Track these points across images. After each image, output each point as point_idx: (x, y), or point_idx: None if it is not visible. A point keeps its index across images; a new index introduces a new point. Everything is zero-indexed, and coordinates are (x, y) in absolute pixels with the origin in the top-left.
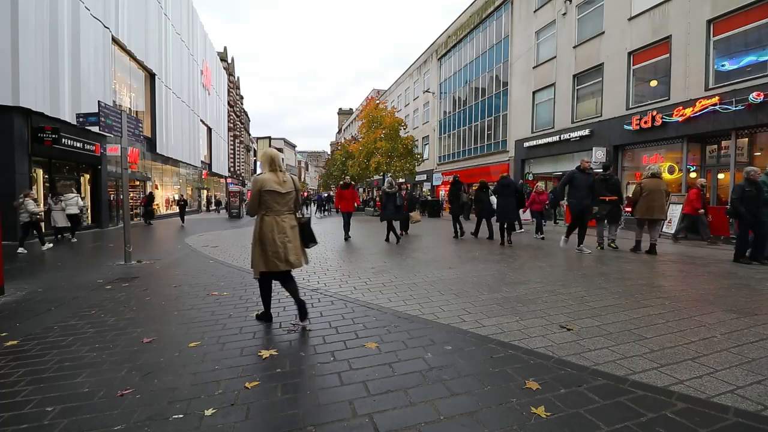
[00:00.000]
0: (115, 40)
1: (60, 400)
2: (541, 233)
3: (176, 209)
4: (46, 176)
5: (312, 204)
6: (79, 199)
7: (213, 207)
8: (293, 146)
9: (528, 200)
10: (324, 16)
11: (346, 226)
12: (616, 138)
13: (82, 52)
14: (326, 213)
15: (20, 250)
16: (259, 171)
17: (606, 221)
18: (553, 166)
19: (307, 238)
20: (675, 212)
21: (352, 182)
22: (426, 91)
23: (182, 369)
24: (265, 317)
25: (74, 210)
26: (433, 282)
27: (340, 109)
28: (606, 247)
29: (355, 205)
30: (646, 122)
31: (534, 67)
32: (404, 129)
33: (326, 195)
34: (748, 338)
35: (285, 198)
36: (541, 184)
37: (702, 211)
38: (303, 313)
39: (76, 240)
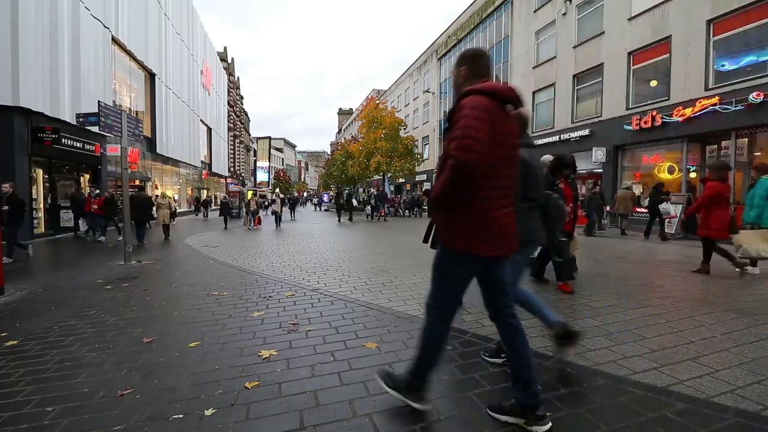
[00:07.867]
0: (115, 40)
1: (60, 400)
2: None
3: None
4: (46, 176)
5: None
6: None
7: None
8: (293, 146)
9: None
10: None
11: None
12: (616, 138)
13: (82, 52)
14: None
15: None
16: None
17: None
18: None
19: (171, 216)
20: (675, 211)
21: None
22: (426, 91)
23: (182, 369)
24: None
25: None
26: None
27: (340, 109)
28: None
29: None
30: (646, 122)
31: (534, 67)
32: (404, 129)
33: (326, 193)
34: (748, 338)
35: (164, 205)
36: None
37: None
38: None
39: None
